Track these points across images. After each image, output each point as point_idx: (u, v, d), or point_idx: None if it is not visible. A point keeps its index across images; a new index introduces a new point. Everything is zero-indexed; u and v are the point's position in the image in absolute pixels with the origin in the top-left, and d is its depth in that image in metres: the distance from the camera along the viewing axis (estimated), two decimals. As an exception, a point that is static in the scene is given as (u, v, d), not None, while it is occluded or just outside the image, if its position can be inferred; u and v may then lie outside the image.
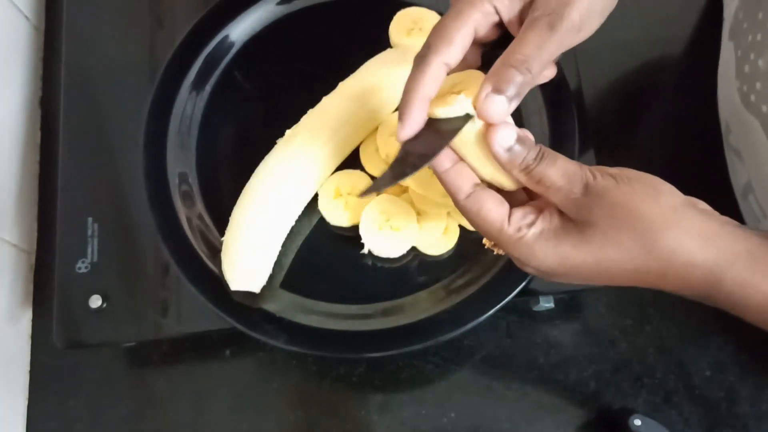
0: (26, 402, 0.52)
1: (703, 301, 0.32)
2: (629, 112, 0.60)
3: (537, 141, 0.34)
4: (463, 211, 0.34)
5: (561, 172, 0.32)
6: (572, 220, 0.32)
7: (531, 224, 0.33)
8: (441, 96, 0.34)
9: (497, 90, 0.32)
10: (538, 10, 0.33)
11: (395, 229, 0.47)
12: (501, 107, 0.32)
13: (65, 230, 0.50)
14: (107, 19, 0.57)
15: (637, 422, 0.47)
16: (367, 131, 0.50)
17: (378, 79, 0.49)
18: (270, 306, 0.46)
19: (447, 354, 0.52)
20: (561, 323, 0.53)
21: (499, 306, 0.45)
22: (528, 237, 0.33)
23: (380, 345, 0.45)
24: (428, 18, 0.53)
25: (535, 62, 0.32)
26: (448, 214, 0.48)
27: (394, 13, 0.53)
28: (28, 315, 0.54)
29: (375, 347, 0.46)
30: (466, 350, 0.52)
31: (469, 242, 0.48)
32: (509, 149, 0.32)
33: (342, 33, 0.55)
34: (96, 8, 0.57)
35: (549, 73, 0.37)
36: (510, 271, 0.46)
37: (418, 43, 0.52)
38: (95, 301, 0.48)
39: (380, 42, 0.53)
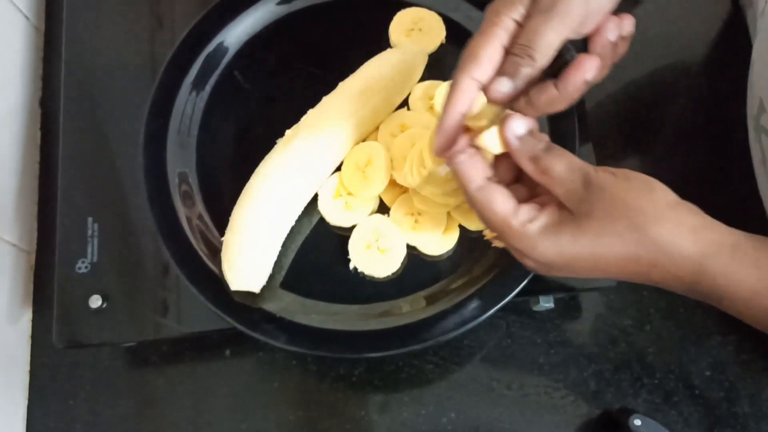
0: (26, 402, 0.52)
1: (690, 295, 0.34)
2: (631, 117, 0.60)
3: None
4: (472, 202, 0.37)
5: (566, 165, 0.35)
6: (571, 213, 0.35)
7: (534, 219, 0.35)
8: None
9: (502, 73, 0.36)
10: (540, 4, 0.36)
11: (381, 251, 0.47)
12: (504, 87, 0.36)
13: (65, 230, 0.50)
14: (107, 19, 0.57)
15: (637, 422, 0.47)
16: (368, 131, 0.50)
17: (378, 79, 0.49)
18: (270, 306, 0.46)
19: (447, 354, 0.52)
20: (561, 323, 0.53)
21: (499, 306, 0.44)
22: (531, 229, 0.35)
23: (380, 345, 0.45)
24: (428, 18, 0.53)
25: (535, 48, 0.36)
26: (448, 214, 0.48)
27: (394, 13, 0.53)
28: (28, 315, 0.54)
29: (375, 347, 0.46)
30: (466, 350, 0.52)
31: (469, 242, 0.48)
32: (520, 138, 0.36)
33: (342, 33, 0.55)
34: (96, 8, 0.57)
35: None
36: (510, 271, 0.46)
37: (417, 43, 0.53)
38: (95, 301, 0.48)
39: (380, 42, 0.53)
